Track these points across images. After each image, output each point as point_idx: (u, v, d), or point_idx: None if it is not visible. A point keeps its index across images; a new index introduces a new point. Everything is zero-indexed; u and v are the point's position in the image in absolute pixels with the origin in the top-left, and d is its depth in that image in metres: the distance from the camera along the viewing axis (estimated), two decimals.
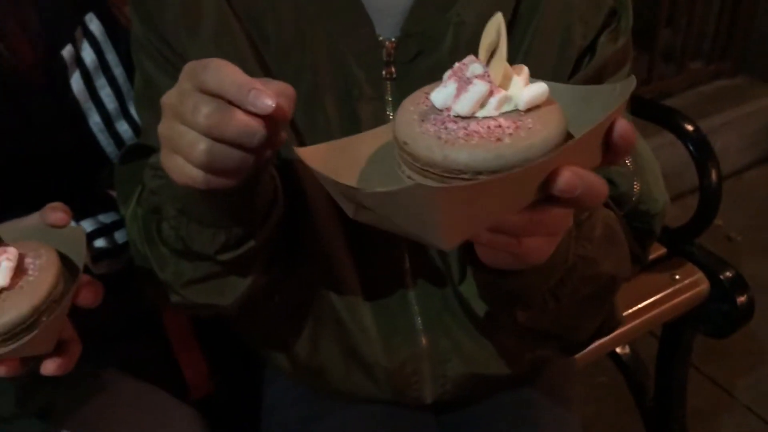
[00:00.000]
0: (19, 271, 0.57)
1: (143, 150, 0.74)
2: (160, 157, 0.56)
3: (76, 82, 0.78)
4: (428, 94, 0.49)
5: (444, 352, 0.81)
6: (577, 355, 1.18)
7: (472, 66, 0.48)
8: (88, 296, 0.60)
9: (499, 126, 0.45)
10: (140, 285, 0.75)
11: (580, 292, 0.70)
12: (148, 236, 0.70)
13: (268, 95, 0.48)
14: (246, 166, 0.52)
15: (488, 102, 0.46)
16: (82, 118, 0.80)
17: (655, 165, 0.81)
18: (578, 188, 0.44)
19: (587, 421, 1.73)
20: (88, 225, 0.78)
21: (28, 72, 0.74)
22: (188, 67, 0.52)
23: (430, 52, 0.70)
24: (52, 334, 0.58)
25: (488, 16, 0.67)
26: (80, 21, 0.78)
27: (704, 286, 1.32)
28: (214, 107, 0.49)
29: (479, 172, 0.44)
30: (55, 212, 0.63)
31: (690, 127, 1.31)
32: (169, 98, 0.52)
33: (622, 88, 0.48)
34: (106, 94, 0.81)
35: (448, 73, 0.49)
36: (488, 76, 0.47)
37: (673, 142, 1.37)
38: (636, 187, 0.77)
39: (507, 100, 0.46)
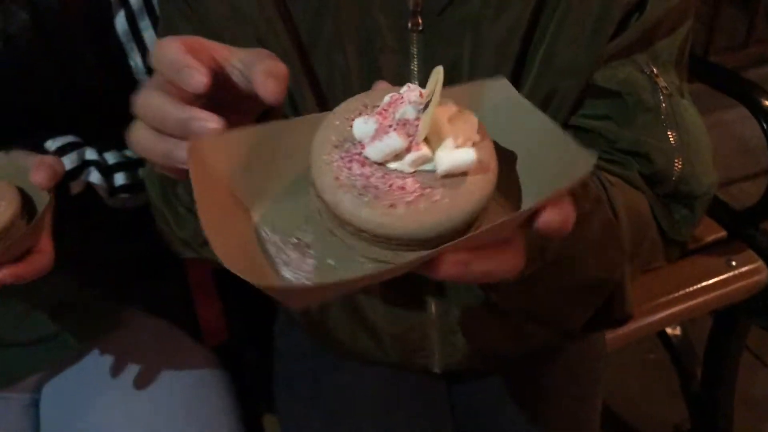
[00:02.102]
0: None
1: None
2: None
3: (120, 22, 0.79)
4: (362, 110, 0.44)
5: (453, 323, 0.79)
6: (622, 330, 1.14)
7: (406, 108, 0.42)
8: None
9: (403, 188, 0.41)
10: (160, 236, 0.76)
11: (560, 285, 0.66)
12: (165, 196, 0.70)
13: (202, 72, 0.43)
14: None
15: (404, 156, 0.41)
16: (123, 57, 0.81)
17: (705, 141, 0.74)
18: (464, 278, 0.40)
19: (634, 397, 1.70)
20: (111, 157, 0.79)
21: (72, 12, 0.74)
22: None
23: (459, 3, 0.66)
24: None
25: None
26: None
27: (763, 275, 1.23)
28: (150, 97, 0.45)
29: (362, 230, 0.40)
30: (39, 172, 0.64)
31: (767, 103, 1.20)
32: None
33: (575, 168, 0.41)
34: (149, 35, 0.81)
35: (386, 99, 0.44)
36: (413, 127, 0.42)
37: (747, 118, 1.27)
38: (677, 165, 0.70)
39: (425, 160, 0.41)
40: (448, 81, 0.65)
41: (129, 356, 0.89)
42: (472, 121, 0.43)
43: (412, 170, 0.41)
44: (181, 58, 0.44)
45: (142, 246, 0.82)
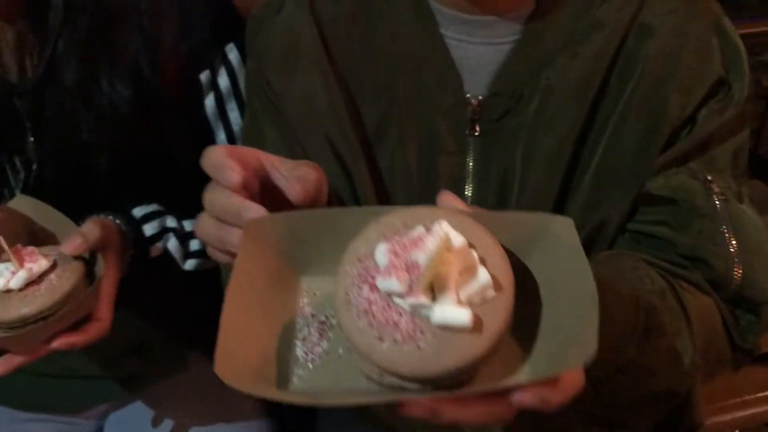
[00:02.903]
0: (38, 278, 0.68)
1: None
2: None
3: (209, 103, 0.88)
4: (399, 229, 0.47)
5: None
6: None
7: (418, 253, 0.44)
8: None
9: (396, 325, 0.43)
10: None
11: (627, 393, 0.66)
12: None
13: (236, 171, 0.51)
14: None
15: (405, 297, 0.44)
16: (210, 134, 0.89)
17: (766, 246, 0.72)
18: (434, 421, 0.43)
19: None
20: (188, 225, 0.87)
21: (168, 92, 0.84)
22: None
23: (516, 112, 0.70)
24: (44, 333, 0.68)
25: (578, 81, 0.69)
26: (221, 50, 0.86)
27: None
28: (214, 192, 0.54)
29: (351, 343, 0.45)
30: (73, 242, 0.71)
31: None
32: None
33: (578, 348, 0.43)
34: (234, 116, 0.89)
35: (413, 234, 0.46)
36: (418, 273, 0.43)
37: None
38: (737, 271, 0.69)
39: (421, 308, 0.44)
40: (500, 185, 0.68)
41: (188, 398, 0.96)
42: (484, 279, 0.44)
43: (408, 311, 0.44)
44: (221, 160, 0.52)
45: (208, 298, 0.90)
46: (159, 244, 0.83)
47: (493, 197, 0.72)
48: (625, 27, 0.69)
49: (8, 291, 0.67)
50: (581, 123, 0.69)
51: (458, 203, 0.50)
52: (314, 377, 0.48)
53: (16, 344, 0.69)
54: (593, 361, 0.41)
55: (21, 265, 0.67)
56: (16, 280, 0.67)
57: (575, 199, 0.71)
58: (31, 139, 0.81)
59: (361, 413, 0.88)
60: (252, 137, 0.80)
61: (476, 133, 0.71)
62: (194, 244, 0.87)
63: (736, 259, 0.69)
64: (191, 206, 0.84)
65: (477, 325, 0.43)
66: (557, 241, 0.48)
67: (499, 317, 0.44)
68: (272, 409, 1.00)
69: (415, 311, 0.44)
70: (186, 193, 0.83)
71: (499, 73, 0.70)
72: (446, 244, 0.44)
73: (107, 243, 0.75)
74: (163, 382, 0.97)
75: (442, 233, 0.44)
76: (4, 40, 0.80)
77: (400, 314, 0.44)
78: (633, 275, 0.66)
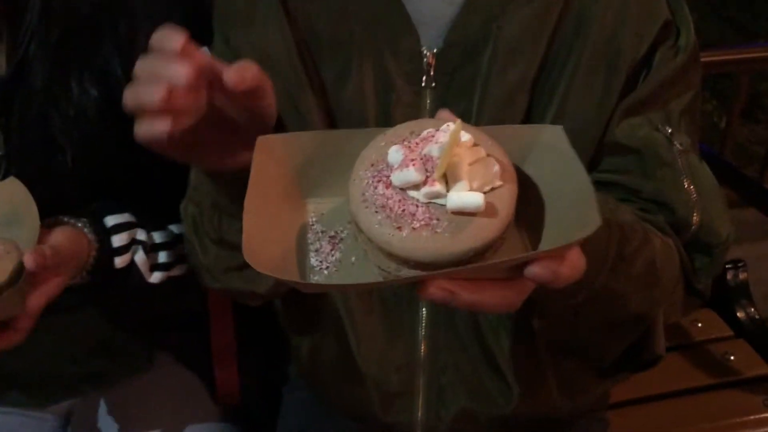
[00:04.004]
0: None
1: None
2: None
3: None
4: (407, 137, 0.50)
5: (441, 365, 0.81)
6: None
7: (432, 146, 0.48)
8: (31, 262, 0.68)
9: (413, 215, 0.46)
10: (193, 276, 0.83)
11: (601, 318, 0.70)
12: (195, 228, 0.77)
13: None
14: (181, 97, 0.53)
15: (421, 188, 0.47)
16: None
17: (720, 194, 0.79)
18: (450, 303, 0.46)
19: None
20: (158, 236, 0.88)
21: None
22: None
23: (470, 63, 0.72)
24: None
25: (529, 29, 0.71)
26: None
27: None
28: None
29: (372, 242, 0.47)
30: (31, 258, 0.68)
31: None
32: None
33: (583, 227, 0.46)
34: None
35: (423, 134, 0.50)
36: (434, 164, 0.47)
37: None
38: (695, 217, 0.75)
39: (437, 196, 0.47)
40: None
41: (153, 398, 0.97)
42: (492, 168, 0.48)
43: (426, 201, 0.47)
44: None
45: (176, 301, 0.91)
46: (126, 256, 0.83)
47: None
48: None
49: None
50: (535, 70, 0.72)
51: (456, 118, 0.52)
52: (331, 281, 0.51)
53: None
54: (572, 290, 0.48)
55: None
56: None
57: None
58: (1, 133, 0.82)
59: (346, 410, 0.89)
60: None
61: (432, 84, 0.73)
62: (162, 257, 0.87)
63: (695, 206, 0.74)
64: (161, 210, 0.85)
65: (489, 209, 0.46)
66: (549, 146, 0.52)
67: (507, 201, 0.47)
68: (237, 411, 1.00)
69: (431, 200, 0.47)
70: (155, 196, 0.84)
71: (453, 26, 0.72)
72: (456, 137, 0.46)
73: (68, 260, 0.75)
74: (129, 381, 0.98)
75: (452, 128, 0.47)
76: None
77: (416, 206, 0.47)
78: (605, 207, 0.68)
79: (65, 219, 0.79)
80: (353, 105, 0.74)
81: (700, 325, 1.37)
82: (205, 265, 0.79)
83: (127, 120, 0.84)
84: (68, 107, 0.81)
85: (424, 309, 0.79)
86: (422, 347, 0.81)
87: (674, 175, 0.75)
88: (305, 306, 0.86)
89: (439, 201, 0.47)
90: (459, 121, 0.48)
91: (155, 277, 0.86)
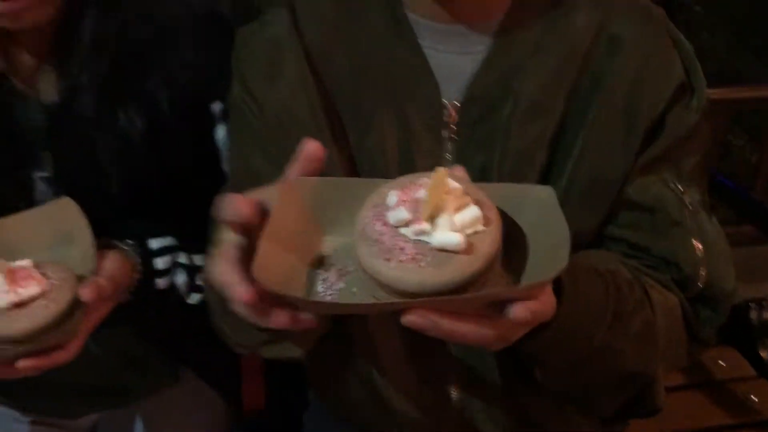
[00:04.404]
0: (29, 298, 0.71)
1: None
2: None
3: (220, 132, 0.92)
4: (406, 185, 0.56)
5: (473, 412, 0.82)
6: None
7: (421, 191, 0.54)
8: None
9: (402, 249, 0.52)
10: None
11: (600, 373, 0.72)
12: (222, 307, 0.74)
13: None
14: None
15: (410, 225, 0.53)
16: (218, 163, 0.93)
17: (726, 251, 0.81)
18: (431, 331, 0.50)
19: None
20: (199, 259, 0.91)
21: (182, 122, 0.88)
22: None
23: (490, 117, 0.75)
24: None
25: (548, 87, 0.74)
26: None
27: None
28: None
29: (367, 272, 0.53)
30: (86, 290, 0.73)
31: None
32: None
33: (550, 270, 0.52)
34: None
35: (420, 181, 0.56)
36: (418, 205, 0.53)
37: None
38: (702, 275, 0.77)
39: (422, 233, 0.53)
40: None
41: (178, 412, 1.00)
42: (476, 213, 0.53)
43: (414, 238, 0.53)
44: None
45: (203, 320, 0.94)
46: (167, 278, 0.87)
47: None
48: (591, 36, 0.75)
49: None
50: (554, 126, 0.74)
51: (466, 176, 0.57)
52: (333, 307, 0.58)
53: None
54: (571, 345, 0.56)
55: (11, 287, 0.70)
56: (1, 300, 0.70)
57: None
58: (48, 155, 0.86)
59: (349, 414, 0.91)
60: (234, 144, 0.85)
61: (453, 136, 0.76)
62: (201, 279, 0.90)
63: (702, 264, 0.77)
64: (201, 234, 0.88)
65: (470, 248, 0.52)
66: (539, 202, 0.58)
67: (488, 242, 0.53)
68: (260, 427, 1.03)
69: (418, 238, 0.53)
70: (196, 220, 0.88)
71: (473, 81, 0.75)
72: (439, 180, 0.53)
73: (119, 287, 0.79)
74: (154, 396, 1.01)
75: (439, 173, 0.53)
76: (33, 65, 0.86)
77: (406, 241, 0.53)
78: (604, 268, 0.72)
79: (112, 242, 0.83)
80: (376, 157, 0.76)
81: (722, 363, 1.36)
82: (232, 338, 0.78)
83: (169, 149, 0.88)
84: (114, 136, 0.85)
85: (454, 353, 0.80)
86: (453, 392, 0.82)
87: (683, 235, 0.77)
88: (333, 357, 0.87)
89: (425, 238, 0.52)
90: (444, 168, 0.54)
91: (194, 299, 0.89)
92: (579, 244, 0.75)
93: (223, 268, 0.55)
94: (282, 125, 0.78)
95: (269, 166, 0.79)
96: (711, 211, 0.81)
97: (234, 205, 0.54)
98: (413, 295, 0.51)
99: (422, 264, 0.51)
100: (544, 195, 0.58)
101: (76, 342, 0.75)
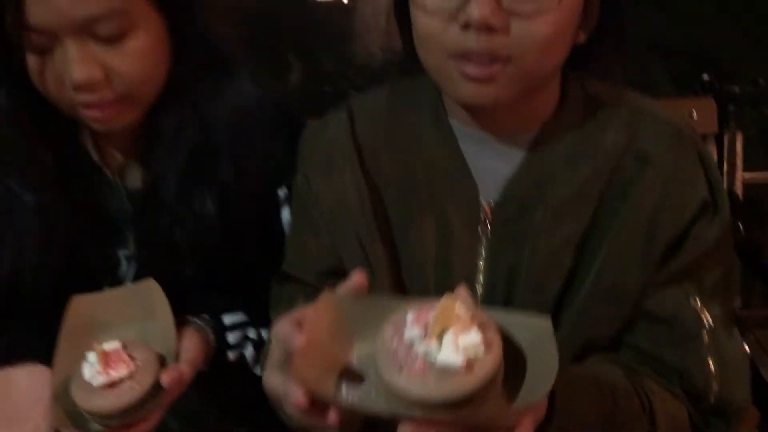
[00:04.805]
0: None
1: (292, 278, 0.93)
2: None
3: (285, 215, 1.01)
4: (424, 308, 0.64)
5: None
6: None
7: (432, 312, 0.63)
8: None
9: (413, 363, 0.61)
10: None
11: None
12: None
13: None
14: None
15: (420, 343, 0.62)
16: (282, 242, 1.01)
17: (743, 366, 0.86)
18: None
19: None
20: (267, 333, 1.00)
21: (250, 207, 0.98)
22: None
23: (523, 218, 0.82)
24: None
25: (577, 196, 0.81)
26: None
27: None
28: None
29: (384, 385, 0.63)
30: (167, 376, 0.82)
31: None
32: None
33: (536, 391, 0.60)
34: None
35: (435, 305, 0.64)
36: (426, 325, 0.61)
37: None
38: (715, 388, 0.82)
39: (430, 352, 0.61)
40: (508, 280, 0.83)
41: None
42: (478, 338, 0.62)
43: (423, 355, 0.62)
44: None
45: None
46: (237, 351, 0.96)
47: (502, 291, 0.84)
48: (621, 151, 0.81)
49: (89, 382, 0.80)
50: (580, 232, 0.81)
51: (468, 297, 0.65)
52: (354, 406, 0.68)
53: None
54: None
55: (104, 368, 0.80)
56: (95, 380, 0.80)
57: (577, 307, 0.82)
58: (132, 237, 0.97)
59: None
60: (294, 233, 0.94)
61: (488, 233, 0.83)
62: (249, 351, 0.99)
63: (715, 380, 0.82)
64: (267, 308, 0.97)
65: (469, 369, 0.60)
66: (538, 329, 0.66)
67: (488, 365, 0.61)
68: None
69: (426, 355, 0.61)
70: (263, 294, 0.97)
71: (508, 184, 0.83)
72: (447, 306, 0.62)
73: (195, 370, 0.87)
74: None
75: (446, 300, 0.63)
76: (120, 158, 0.96)
77: (416, 357, 0.62)
78: (605, 379, 0.78)
79: (190, 318, 0.92)
80: (415, 251, 0.84)
81: None
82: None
83: (239, 231, 0.98)
84: (191, 219, 0.95)
85: None
86: None
87: (699, 351, 0.81)
88: None
89: (431, 356, 0.61)
90: (451, 296, 0.63)
91: (259, 370, 0.98)
92: (596, 347, 0.82)
93: (275, 379, 0.66)
94: (335, 217, 0.88)
95: (321, 252, 0.89)
96: (733, 322, 0.85)
97: (284, 332, 0.64)
98: (418, 404, 0.59)
99: (427, 379, 0.59)
100: (544, 325, 0.66)
101: (156, 416, 0.84)
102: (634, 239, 0.81)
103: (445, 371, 0.60)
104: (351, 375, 0.67)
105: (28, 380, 0.86)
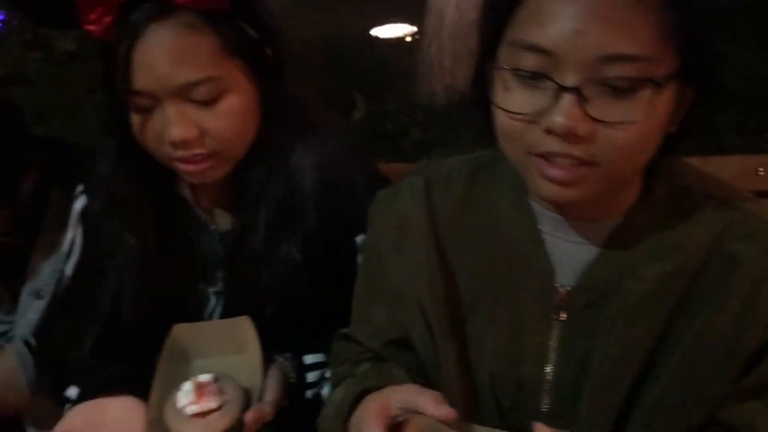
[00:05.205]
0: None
1: (353, 339, 0.95)
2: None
3: (361, 260, 1.05)
4: None
5: None
6: None
7: None
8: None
9: None
10: None
11: None
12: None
13: None
14: None
15: None
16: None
17: None
18: None
19: None
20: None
21: (330, 254, 1.04)
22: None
23: (599, 306, 0.79)
24: None
25: (656, 293, 0.77)
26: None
27: None
28: None
29: None
30: (252, 415, 0.87)
31: None
32: None
33: None
34: None
35: None
36: None
37: None
38: None
39: None
40: (579, 370, 0.82)
41: None
42: None
43: None
44: None
45: None
46: (315, 389, 1.01)
47: (571, 380, 0.81)
48: (707, 250, 0.77)
49: (182, 409, 0.87)
50: (656, 332, 0.77)
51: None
52: None
53: None
54: None
55: (197, 398, 0.86)
56: (189, 409, 0.86)
57: (643, 405, 0.79)
58: (223, 277, 1.05)
59: None
60: (360, 299, 0.96)
61: (562, 318, 0.81)
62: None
63: None
64: None
65: None
66: None
67: None
68: None
69: None
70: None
71: (586, 271, 0.80)
72: None
73: (277, 409, 0.93)
74: None
75: None
76: (211, 203, 1.05)
77: None
78: None
79: (275, 356, 0.98)
80: (486, 335, 0.83)
81: None
82: None
83: (320, 277, 1.04)
84: (276, 265, 1.01)
85: None
86: None
87: None
88: None
89: None
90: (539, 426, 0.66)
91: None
92: None
93: None
94: (404, 298, 0.87)
95: (388, 325, 0.90)
96: None
97: None
98: None
99: None
100: None
101: None
102: (716, 346, 0.76)
103: None
104: None
105: (123, 412, 0.94)
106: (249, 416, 0.87)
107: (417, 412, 0.74)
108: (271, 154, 1.00)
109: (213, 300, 1.07)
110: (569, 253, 0.82)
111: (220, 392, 0.89)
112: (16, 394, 1.15)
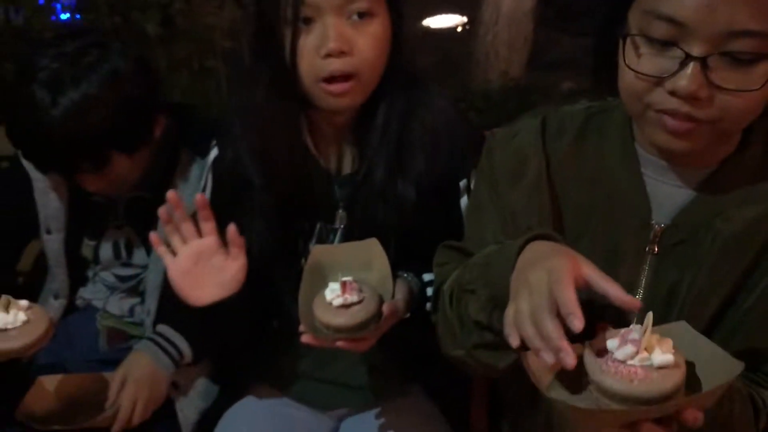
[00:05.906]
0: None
1: (461, 249, 1.06)
2: (477, 263, 0.90)
3: (464, 202, 1.19)
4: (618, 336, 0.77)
5: None
6: None
7: (634, 332, 0.75)
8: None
9: (636, 373, 0.74)
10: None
11: None
12: (458, 307, 0.94)
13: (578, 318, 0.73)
14: None
15: (635, 357, 0.74)
16: (461, 225, 1.16)
17: None
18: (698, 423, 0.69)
19: None
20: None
21: (438, 194, 1.17)
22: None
23: (690, 243, 0.88)
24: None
25: (745, 234, 0.86)
26: (474, 165, 1.14)
27: None
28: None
29: (613, 396, 0.73)
30: (390, 308, 1.01)
31: None
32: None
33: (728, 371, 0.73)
34: None
35: (625, 330, 0.76)
36: (638, 343, 0.73)
37: None
38: None
39: (646, 359, 0.74)
40: (667, 298, 0.92)
41: (403, 425, 1.23)
42: (669, 344, 0.75)
43: (639, 364, 0.74)
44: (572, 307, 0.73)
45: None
46: (431, 303, 1.11)
47: (659, 306, 0.90)
48: None
49: (330, 302, 1.01)
50: (742, 268, 0.86)
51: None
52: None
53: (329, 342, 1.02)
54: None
55: (342, 293, 1.01)
56: (335, 301, 1.01)
57: (724, 327, 0.89)
58: (342, 214, 1.18)
59: None
60: (473, 218, 1.06)
61: (654, 252, 0.91)
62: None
63: None
64: None
65: (674, 368, 0.74)
66: (688, 333, 0.80)
67: (682, 361, 0.75)
68: None
69: (642, 363, 0.74)
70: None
71: (681, 211, 0.90)
72: (648, 324, 0.74)
73: (406, 309, 1.07)
74: (387, 404, 1.26)
75: (648, 320, 0.76)
76: (334, 149, 1.19)
77: (636, 368, 0.74)
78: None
79: (400, 273, 1.12)
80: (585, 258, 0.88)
81: None
82: (458, 338, 0.94)
83: (429, 215, 1.16)
84: (393, 202, 1.14)
85: None
86: None
87: None
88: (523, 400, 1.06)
89: (646, 363, 0.74)
90: (650, 313, 0.74)
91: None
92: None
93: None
94: (516, 218, 0.98)
95: (500, 239, 0.99)
96: None
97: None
98: (645, 401, 0.72)
99: (654, 378, 0.73)
100: (688, 329, 0.80)
101: (373, 339, 1.03)
102: None
103: (662, 371, 0.73)
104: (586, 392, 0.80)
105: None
106: (386, 308, 1.01)
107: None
108: (390, 97, 1.13)
109: (332, 237, 1.20)
110: (667, 195, 0.91)
111: (360, 291, 1.03)
112: (164, 382, 1.28)
